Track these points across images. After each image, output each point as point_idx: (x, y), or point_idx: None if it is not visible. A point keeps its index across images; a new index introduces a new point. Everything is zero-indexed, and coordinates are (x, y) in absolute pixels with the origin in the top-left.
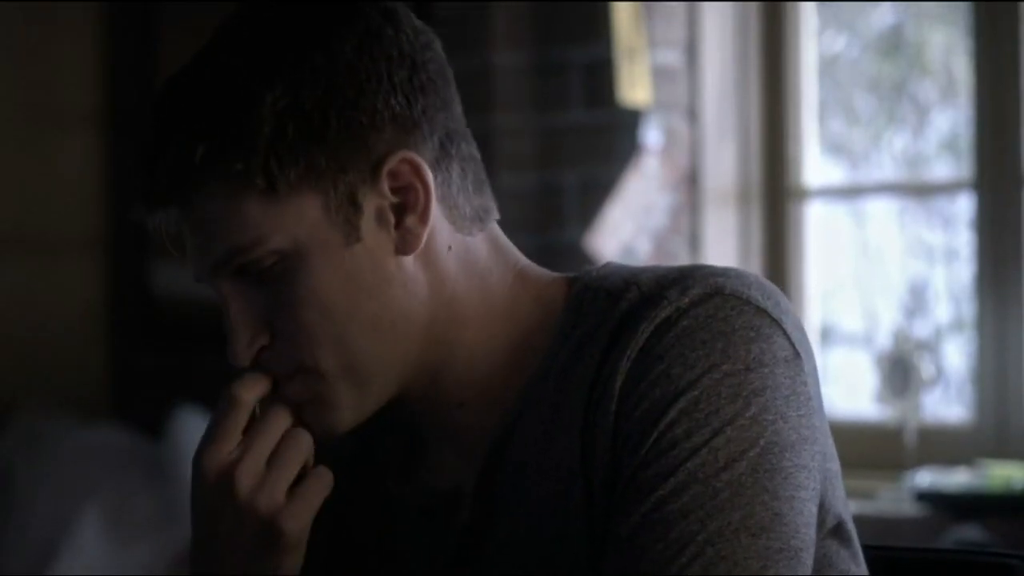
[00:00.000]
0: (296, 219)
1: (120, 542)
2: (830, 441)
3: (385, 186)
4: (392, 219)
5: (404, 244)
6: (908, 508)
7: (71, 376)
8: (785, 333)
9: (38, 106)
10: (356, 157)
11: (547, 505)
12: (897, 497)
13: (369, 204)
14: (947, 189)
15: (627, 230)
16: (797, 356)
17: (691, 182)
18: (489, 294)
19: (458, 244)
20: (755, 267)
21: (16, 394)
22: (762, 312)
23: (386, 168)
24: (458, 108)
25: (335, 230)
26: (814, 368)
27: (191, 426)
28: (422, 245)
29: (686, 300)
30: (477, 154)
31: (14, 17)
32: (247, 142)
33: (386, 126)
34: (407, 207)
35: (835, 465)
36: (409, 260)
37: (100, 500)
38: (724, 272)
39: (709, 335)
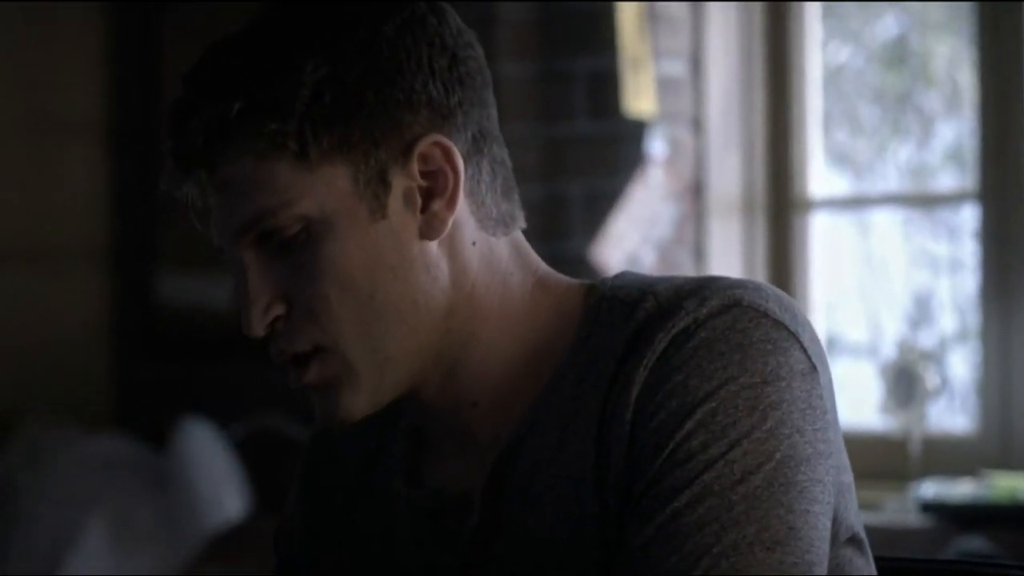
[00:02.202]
0: (324, 187)
1: (124, 552)
2: (844, 454)
3: (415, 168)
4: (419, 202)
5: (429, 229)
6: (913, 519)
7: (74, 386)
8: (802, 346)
9: (41, 116)
10: (389, 135)
11: (557, 512)
12: (902, 508)
13: (398, 184)
14: (952, 200)
15: (632, 241)
16: (813, 369)
17: (696, 193)
18: (509, 296)
19: (482, 241)
20: (760, 278)
21: (20, 404)
22: (779, 325)
23: (417, 150)
24: (494, 113)
25: (362, 204)
26: (829, 381)
27: (195, 437)
28: (447, 232)
29: (704, 311)
30: (508, 162)
31: (16, 27)
32: (284, 104)
33: (421, 109)
34: (435, 192)
35: (848, 478)
36: (433, 246)
37: (104, 510)
38: (741, 284)
39: (727, 347)
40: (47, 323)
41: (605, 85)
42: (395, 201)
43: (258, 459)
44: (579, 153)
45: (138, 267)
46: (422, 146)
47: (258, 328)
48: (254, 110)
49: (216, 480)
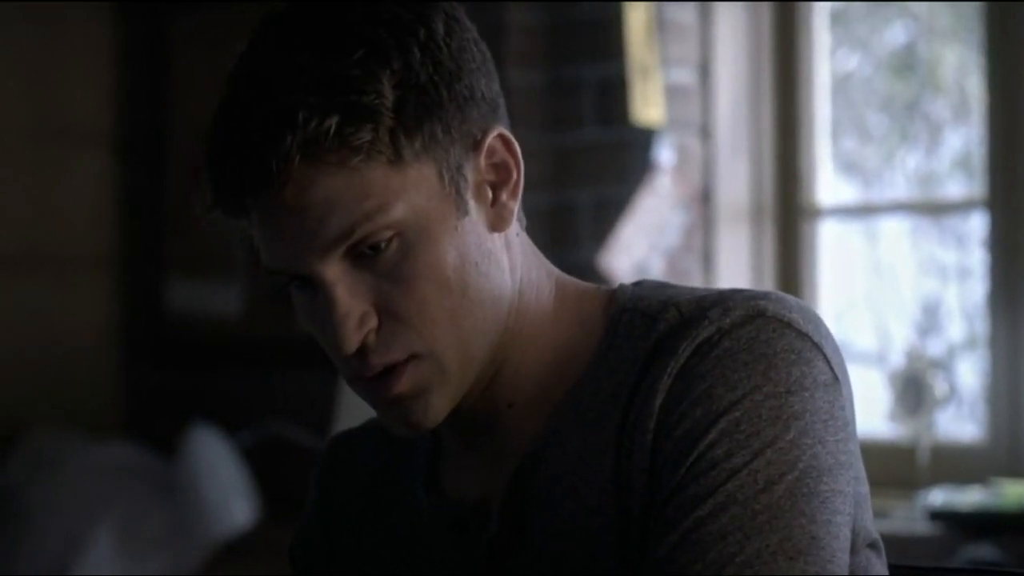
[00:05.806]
0: (415, 188)
1: (132, 559)
2: (861, 464)
3: (483, 161)
4: (490, 195)
5: (499, 220)
6: (921, 527)
7: (83, 394)
8: (825, 357)
9: (51, 125)
10: (462, 131)
11: (578, 521)
12: (910, 515)
13: (471, 179)
14: (960, 207)
15: (640, 248)
16: (836, 380)
17: (704, 200)
18: (540, 292)
19: (522, 235)
20: (768, 286)
21: (29, 412)
22: (803, 336)
23: (486, 143)
24: None
25: (448, 201)
26: (850, 392)
27: (203, 443)
28: (514, 221)
29: (728, 321)
30: None
31: (24, 35)
32: (374, 114)
33: (480, 103)
34: (499, 183)
35: (865, 488)
36: (497, 239)
37: (112, 518)
38: (765, 295)
39: (751, 357)
40: (56, 331)
41: (613, 93)
42: (471, 196)
43: (266, 466)
44: (587, 161)
45: (146, 274)
46: (488, 139)
47: (354, 343)
48: (347, 124)
49: (224, 487)
